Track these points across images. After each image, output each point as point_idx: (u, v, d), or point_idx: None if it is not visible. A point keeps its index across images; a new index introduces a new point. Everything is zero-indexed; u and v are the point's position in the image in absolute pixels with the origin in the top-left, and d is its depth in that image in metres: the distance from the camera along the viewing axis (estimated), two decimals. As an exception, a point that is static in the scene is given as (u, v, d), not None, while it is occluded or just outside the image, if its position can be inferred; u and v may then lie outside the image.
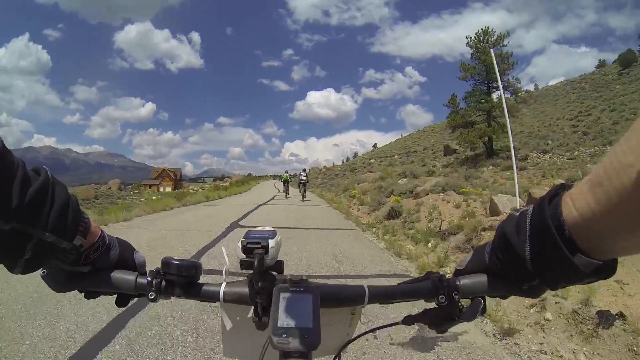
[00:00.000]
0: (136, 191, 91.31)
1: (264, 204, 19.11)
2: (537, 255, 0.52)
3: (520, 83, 30.43)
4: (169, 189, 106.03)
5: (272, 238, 0.67)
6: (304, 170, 24.61)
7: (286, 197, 25.08)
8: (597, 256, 0.47)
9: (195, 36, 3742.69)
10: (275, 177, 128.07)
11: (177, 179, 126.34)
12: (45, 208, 0.50)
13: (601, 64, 79.66)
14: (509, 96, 29.86)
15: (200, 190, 39.19)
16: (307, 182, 24.61)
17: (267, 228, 0.71)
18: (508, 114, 10.97)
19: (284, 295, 0.64)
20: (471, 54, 31.72)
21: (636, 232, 0.43)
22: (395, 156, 58.89)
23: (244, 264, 0.65)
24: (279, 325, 0.60)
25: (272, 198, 24.01)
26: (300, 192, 23.71)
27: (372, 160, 59.81)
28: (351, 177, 40.07)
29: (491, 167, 24.51)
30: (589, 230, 0.46)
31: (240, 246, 0.65)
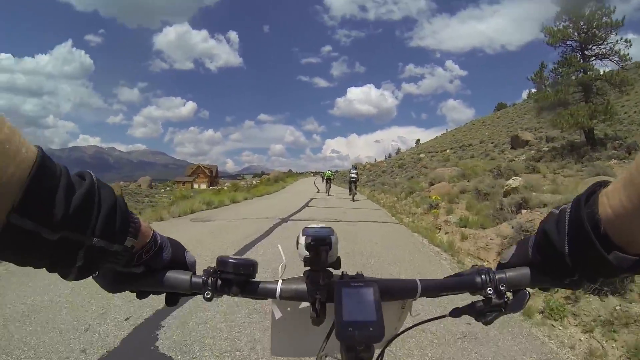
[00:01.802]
0: (167, 189, 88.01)
1: (288, 218, 11.58)
2: (575, 252, 0.55)
3: (631, 45, 22.41)
4: (204, 186, 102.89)
5: (332, 235, 0.68)
6: (354, 167, 21.75)
7: (328, 195, 24.09)
8: (633, 251, 0.49)
9: (233, 35, 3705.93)
10: (316, 174, 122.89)
11: (213, 176, 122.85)
12: (92, 213, 0.49)
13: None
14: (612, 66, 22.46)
15: (222, 189, 33.89)
16: (358, 180, 22.18)
17: (321, 225, 0.72)
18: None
19: (347, 291, 0.64)
20: (557, 12, 24.05)
21: None
22: (447, 150, 53.07)
23: (307, 261, 0.67)
24: (344, 319, 0.61)
25: (307, 204, 17.52)
26: (350, 192, 20.94)
27: (422, 155, 53.65)
28: (403, 174, 35.33)
29: (614, 160, 17.55)
30: (623, 227, 0.48)
31: (304, 243, 0.66)
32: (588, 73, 22.38)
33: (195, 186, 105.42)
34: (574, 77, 22.86)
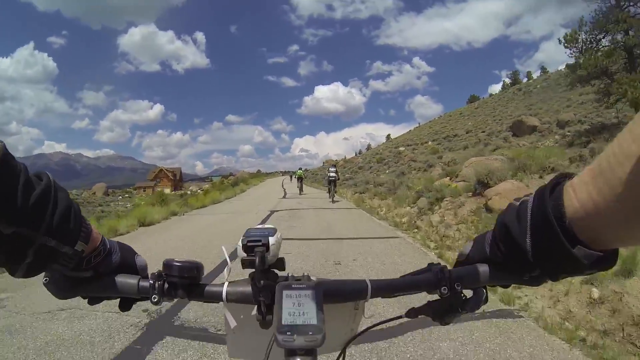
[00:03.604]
0: (126, 195, 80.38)
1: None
2: (538, 245, 0.52)
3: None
4: (168, 190, 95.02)
5: (272, 235, 0.67)
6: (333, 165, 20.42)
7: (300, 194, 23.45)
8: (597, 247, 0.48)
9: (200, 36, 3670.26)
10: (284, 173, 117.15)
11: (177, 180, 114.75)
12: (47, 213, 0.50)
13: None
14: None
15: (185, 193, 27.12)
16: (338, 179, 19.66)
17: (267, 225, 0.71)
18: None
19: (287, 293, 0.63)
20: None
21: (637, 223, 0.43)
22: (429, 142, 48.12)
23: (245, 263, 0.65)
24: (283, 323, 0.60)
25: (267, 219, 11.54)
26: (329, 193, 18.84)
27: (402, 149, 48.53)
28: (387, 170, 30.41)
29: None
30: (590, 220, 0.46)
31: (241, 245, 0.66)
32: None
33: (158, 190, 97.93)
34: (618, 38, 17.07)
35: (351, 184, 25.67)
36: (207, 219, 12.78)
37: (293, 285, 0.64)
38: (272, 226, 0.70)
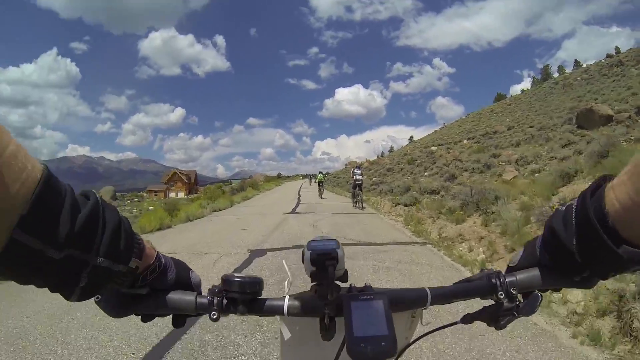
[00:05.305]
0: (135, 200, 76.03)
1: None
2: (584, 247, 0.54)
3: None
4: (182, 194, 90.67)
5: (339, 248, 0.66)
6: (358, 167, 18.20)
7: (321, 198, 23.11)
8: None
9: (220, 39, 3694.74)
10: (305, 176, 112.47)
11: (192, 183, 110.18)
12: (97, 233, 0.49)
13: None
14: None
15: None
16: (363, 182, 17.28)
17: (329, 237, 0.70)
18: None
19: (355, 304, 0.63)
20: None
21: None
22: (465, 141, 42.67)
23: (314, 276, 0.65)
24: (355, 335, 0.59)
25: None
26: (355, 199, 16.85)
27: (434, 148, 43.02)
28: (425, 173, 24.99)
29: None
30: (632, 219, 0.47)
31: (309, 258, 0.64)
32: None
33: (172, 194, 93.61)
34: None
35: (385, 189, 19.85)
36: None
37: (361, 297, 0.63)
38: (334, 238, 0.67)
